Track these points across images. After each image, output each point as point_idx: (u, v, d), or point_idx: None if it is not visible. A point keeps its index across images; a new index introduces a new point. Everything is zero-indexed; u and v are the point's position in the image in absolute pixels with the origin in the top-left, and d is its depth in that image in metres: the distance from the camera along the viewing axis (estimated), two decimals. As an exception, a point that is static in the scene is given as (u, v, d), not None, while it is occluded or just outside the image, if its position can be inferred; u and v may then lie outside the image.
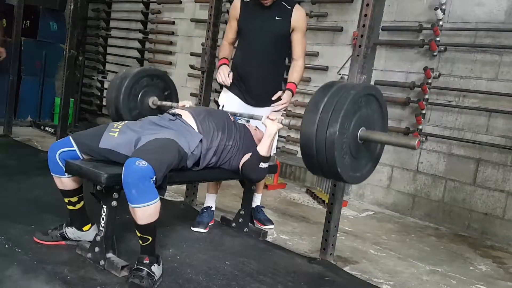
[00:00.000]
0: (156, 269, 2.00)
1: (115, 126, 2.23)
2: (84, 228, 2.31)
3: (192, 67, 5.56)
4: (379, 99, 2.13)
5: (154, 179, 1.91)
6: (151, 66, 6.01)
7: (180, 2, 5.91)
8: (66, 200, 2.26)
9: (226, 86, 3.01)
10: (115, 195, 2.07)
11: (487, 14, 3.68)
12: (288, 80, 2.96)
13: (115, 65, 6.69)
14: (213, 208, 3.03)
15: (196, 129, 2.32)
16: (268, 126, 2.45)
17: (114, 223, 2.12)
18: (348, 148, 2.00)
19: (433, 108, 3.94)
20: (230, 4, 5.28)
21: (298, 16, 2.86)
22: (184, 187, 3.41)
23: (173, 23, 5.95)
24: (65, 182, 2.21)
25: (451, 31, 3.84)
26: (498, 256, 3.25)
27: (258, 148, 2.43)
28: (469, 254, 3.21)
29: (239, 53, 3.01)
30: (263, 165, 2.43)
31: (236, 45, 3.09)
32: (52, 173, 2.20)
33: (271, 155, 3.22)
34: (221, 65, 2.97)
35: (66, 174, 2.17)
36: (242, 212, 2.91)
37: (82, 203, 2.29)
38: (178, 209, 3.23)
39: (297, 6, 2.90)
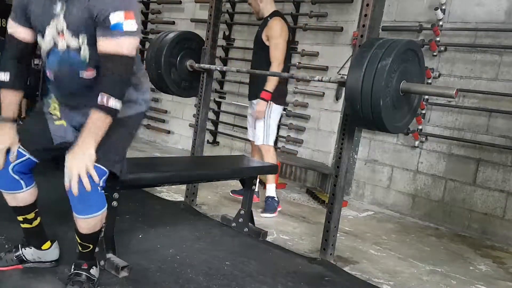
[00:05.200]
0: (95, 271, 1.89)
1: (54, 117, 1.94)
2: (43, 247, 2.01)
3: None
4: (418, 53, 2.31)
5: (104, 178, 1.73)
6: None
7: (180, 2, 5.92)
8: (20, 218, 1.95)
9: None
10: (115, 196, 2.06)
11: (487, 14, 3.68)
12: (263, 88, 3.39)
13: (115, 65, 6.67)
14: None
15: None
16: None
17: (114, 223, 2.12)
18: (391, 100, 2.19)
19: (433, 108, 3.94)
20: (230, 4, 5.37)
21: (270, 25, 3.34)
22: (184, 187, 3.41)
23: (173, 23, 5.95)
24: (20, 197, 1.88)
25: (451, 31, 3.84)
26: (498, 256, 3.25)
27: None
28: (469, 254, 3.21)
29: None
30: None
31: None
32: (3, 191, 1.87)
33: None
34: None
35: (24, 188, 1.88)
36: (242, 212, 2.90)
37: (39, 219, 1.99)
38: (178, 209, 3.23)
39: (274, 18, 3.36)
